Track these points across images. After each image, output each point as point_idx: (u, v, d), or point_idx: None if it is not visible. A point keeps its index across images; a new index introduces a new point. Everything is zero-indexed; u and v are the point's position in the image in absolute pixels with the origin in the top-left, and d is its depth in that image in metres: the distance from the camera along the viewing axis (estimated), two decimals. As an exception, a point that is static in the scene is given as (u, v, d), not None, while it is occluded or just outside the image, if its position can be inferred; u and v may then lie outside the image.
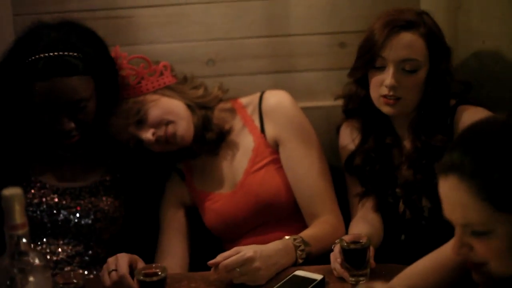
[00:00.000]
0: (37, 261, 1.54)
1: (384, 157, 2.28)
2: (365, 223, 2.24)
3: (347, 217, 2.35)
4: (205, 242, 2.48)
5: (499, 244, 1.43)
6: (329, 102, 2.58)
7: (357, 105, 2.29)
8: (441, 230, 2.16)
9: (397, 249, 2.25)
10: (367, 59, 2.17)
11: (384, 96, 2.16)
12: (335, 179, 2.40)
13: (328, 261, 2.08)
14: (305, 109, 2.43)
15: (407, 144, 2.26)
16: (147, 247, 2.34)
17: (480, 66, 2.45)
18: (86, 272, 2.25)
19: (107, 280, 1.94)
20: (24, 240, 1.52)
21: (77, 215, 2.27)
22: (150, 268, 1.86)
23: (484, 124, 1.50)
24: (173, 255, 2.35)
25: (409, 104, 2.18)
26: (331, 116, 2.54)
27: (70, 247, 2.28)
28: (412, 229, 2.26)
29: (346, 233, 2.28)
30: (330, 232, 2.25)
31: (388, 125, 2.28)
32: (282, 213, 2.36)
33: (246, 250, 1.99)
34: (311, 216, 2.33)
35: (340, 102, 2.53)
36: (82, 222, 2.28)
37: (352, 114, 2.33)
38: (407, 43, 2.13)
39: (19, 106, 2.21)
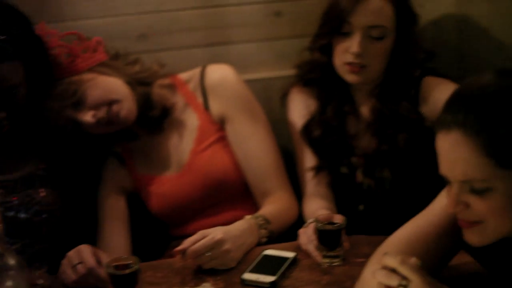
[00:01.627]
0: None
1: (341, 126, 2.21)
2: (322, 200, 2.19)
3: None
4: (148, 228, 2.36)
5: (498, 202, 1.43)
6: (266, 74, 2.54)
7: (319, 73, 2.21)
8: (401, 200, 2.16)
9: (355, 219, 2.20)
10: (333, 25, 2.09)
11: (349, 64, 2.09)
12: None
13: (288, 239, 2.03)
14: (242, 82, 2.34)
15: (364, 111, 2.20)
16: (88, 238, 2.18)
17: (439, 34, 2.42)
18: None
19: (71, 275, 1.78)
20: (-2, 240, 1.36)
21: (14, 209, 2.08)
22: (120, 260, 1.72)
23: (479, 81, 1.48)
24: (114, 245, 2.21)
25: (374, 72, 2.13)
26: (269, 89, 2.49)
27: (6, 246, 2.08)
28: (371, 199, 2.21)
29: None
30: (286, 209, 2.20)
31: (345, 92, 2.21)
32: (232, 193, 2.26)
33: (214, 233, 1.88)
34: (262, 194, 2.24)
35: (277, 73, 2.47)
36: (20, 216, 2.09)
37: (311, 83, 2.25)
38: (375, 9, 2.06)
39: None
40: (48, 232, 2.15)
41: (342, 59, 2.10)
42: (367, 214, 2.25)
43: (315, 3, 2.17)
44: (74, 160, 2.23)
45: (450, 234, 1.61)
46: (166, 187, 2.25)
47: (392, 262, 1.47)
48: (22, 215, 2.09)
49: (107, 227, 2.25)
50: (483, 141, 1.40)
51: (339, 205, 2.23)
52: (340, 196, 2.25)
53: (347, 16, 2.06)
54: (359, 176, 2.22)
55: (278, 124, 2.42)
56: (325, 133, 2.22)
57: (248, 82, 2.39)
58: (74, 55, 2.12)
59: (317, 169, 2.24)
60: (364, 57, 2.07)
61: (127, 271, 1.68)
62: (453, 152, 1.44)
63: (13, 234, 2.08)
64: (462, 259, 1.78)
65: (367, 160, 2.19)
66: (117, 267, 1.69)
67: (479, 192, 1.43)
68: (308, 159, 2.26)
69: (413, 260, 1.48)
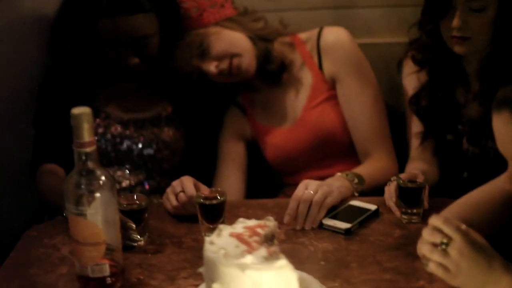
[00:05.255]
0: (103, 178, 1.60)
1: (450, 94, 2.27)
2: (422, 163, 2.26)
3: (402, 158, 2.37)
4: (264, 175, 2.55)
5: None
6: (387, 39, 2.59)
7: (429, 54, 2.26)
8: (505, 169, 2.18)
9: (459, 186, 2.25)
10: (437, 11, 2.15)
11: (454, 37, 2.15)
12: (393, 118, 2.43)
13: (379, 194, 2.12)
14: (363, 46, 2.43)
15: (475, 81, 2.24)
16: (205, 178, 2.39)
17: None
18: None
19: (173, 201, 1.99)
20: (91, 157, 1.58)
21: (140, 145, 2.35)
22: (210, 192, 1.92)
23: None
24: (230, 186, 2.40)
25: (479, 43, 2.16)
26: (389, 54, 2.54)
27: (132, 176, 2.36)
28: (475, 166, 2.26)
29: (399, 173, 2.31)
30: (381, 171, 2.27)
31: (456, 62, 2.26)
32: (340, 149, 2.40)
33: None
34: (364, 154, 2.36)
35: (398, 39, 2.52)
36: (144, 152, 2.35)
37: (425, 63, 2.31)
38: None
39: (85, 41, 2.27)
40: (169, 168, 2.41)
41: (447, 34, 2.16)
42: (471, 182, 2.29)
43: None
44: (199, 105, 2.46)
45: None
46: (280, 138, 2.43)
47: (436, 221, 1.54)
48: (147, 151, 2.35)
49: (224, 168, 2.47)
50: None
51: (444, 171, 2.30)
52: (445, 163, 2.32)
53: None
54: (465, 144, 2.28)
55: (396, 88, 2.50)
56: (433, 103, 2.28)
57: (369, 46, 2.50)
58: (202, 9, 2.32)
59: (424, 135, 2.32)
60: (466, 30, 2.11)
61: (214, 201, 1.88)
62: (504, 131, 1.46)
63: (138, 167, 2.37)
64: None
65: (473, 128, 2.24)
66: (205, 198, 1.90)
67: None
68: (416, 125, 2.34)
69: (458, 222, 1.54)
